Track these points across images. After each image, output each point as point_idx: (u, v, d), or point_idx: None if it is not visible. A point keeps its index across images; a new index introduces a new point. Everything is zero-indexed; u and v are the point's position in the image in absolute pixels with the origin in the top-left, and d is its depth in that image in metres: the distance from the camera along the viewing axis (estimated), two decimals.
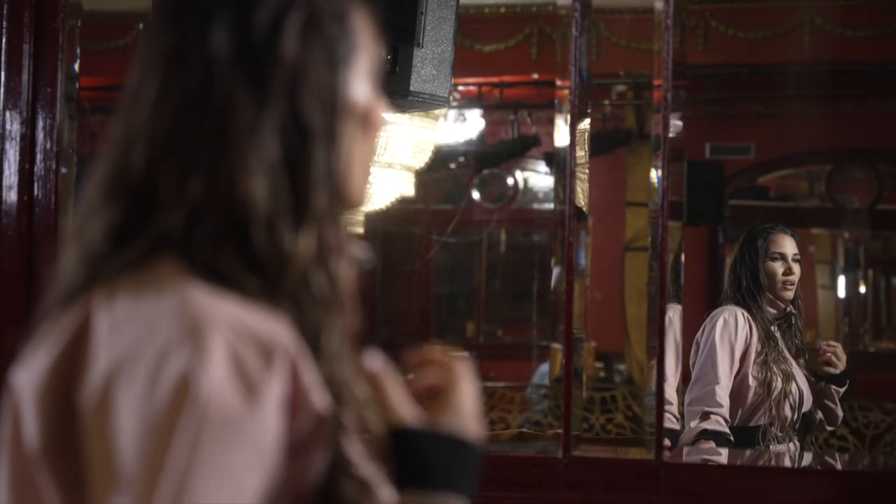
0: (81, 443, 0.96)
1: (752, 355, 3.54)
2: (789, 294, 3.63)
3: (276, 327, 0.98)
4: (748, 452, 3.41)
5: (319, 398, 1.01)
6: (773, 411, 3.50)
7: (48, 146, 3.02)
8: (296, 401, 0.99)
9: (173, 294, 0.97)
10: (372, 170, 1.15)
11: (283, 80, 1.03)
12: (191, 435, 0.92)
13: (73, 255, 1.05)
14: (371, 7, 1.13)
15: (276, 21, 1.04)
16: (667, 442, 2.76)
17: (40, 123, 3.03)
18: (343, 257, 1.07)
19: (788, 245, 3.65)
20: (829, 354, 3.61)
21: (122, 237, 1.02)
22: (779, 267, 3.62)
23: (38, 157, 3.03)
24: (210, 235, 1.01)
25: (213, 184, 1.01)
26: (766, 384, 3.51)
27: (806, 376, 3.63)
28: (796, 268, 3.64)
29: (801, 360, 3.65)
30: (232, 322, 0.96)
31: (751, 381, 3.52)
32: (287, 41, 1.04)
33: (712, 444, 3.38)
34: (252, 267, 1.01)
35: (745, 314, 3.57)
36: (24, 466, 1.00)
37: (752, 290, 3.61)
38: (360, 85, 1.10)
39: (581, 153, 2.71)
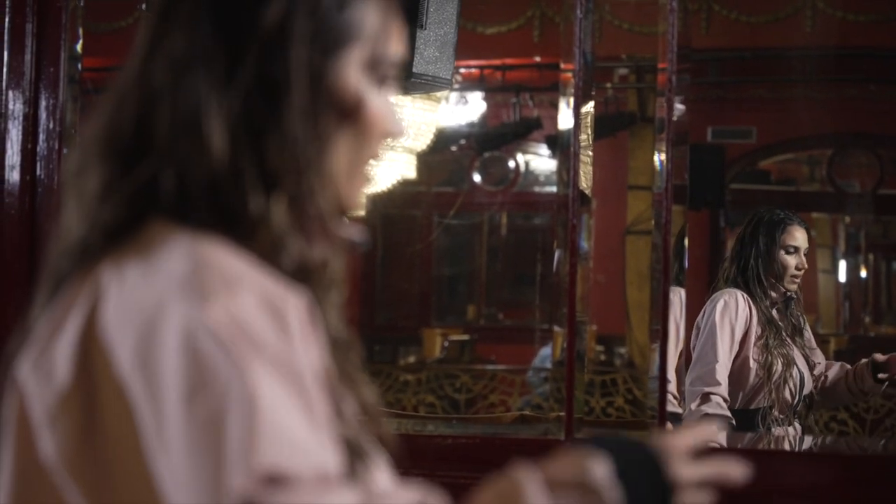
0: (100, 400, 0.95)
1: (753, 338, 3.55)
2: (795, 285, 3.66)
3: (282, 288, 0.99)
4: (749, 435, 3.42)
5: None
6: (774, 395, 3.51)
7: (51, 126, 3.02)
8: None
9: (187, 255, 0.98)
10: (368, 175, 1.13)
11: (258, 48, 1.04)
12: (241, 360, 0.92)
13: (74, 215, 1.07)
14: (394, 4, 1.12)
15: None
16: (668, 425, 2.77)
17: (43, 103, 3.03)
18: (326, 236, 1.08)
19: (802, 238, 3.69)
20: None
21: (116, 196, 1.04)
22: (793, 260, 3.65)
23: (41, 137, 3.03)
24: (191, 194, 1.02)
25: (191, 141, 1.03)
26: (766, 367, 3.52)
27: (805, 357, 3.64)
28: (805, 261, 3.67)
29: (799, 339, 3.66)
30: (250, 281, 0.98)
31: (751, 364, 3.53)
32: (270, 11, 1.05)
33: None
34: (230, 229, 1.03)
35: (746, 297, 3.58)
36: (29, 436, 0.99)
37: (760, 275, 3.62)
38: (350, 75, 1.08)
39: (584, 136, 2.71)
